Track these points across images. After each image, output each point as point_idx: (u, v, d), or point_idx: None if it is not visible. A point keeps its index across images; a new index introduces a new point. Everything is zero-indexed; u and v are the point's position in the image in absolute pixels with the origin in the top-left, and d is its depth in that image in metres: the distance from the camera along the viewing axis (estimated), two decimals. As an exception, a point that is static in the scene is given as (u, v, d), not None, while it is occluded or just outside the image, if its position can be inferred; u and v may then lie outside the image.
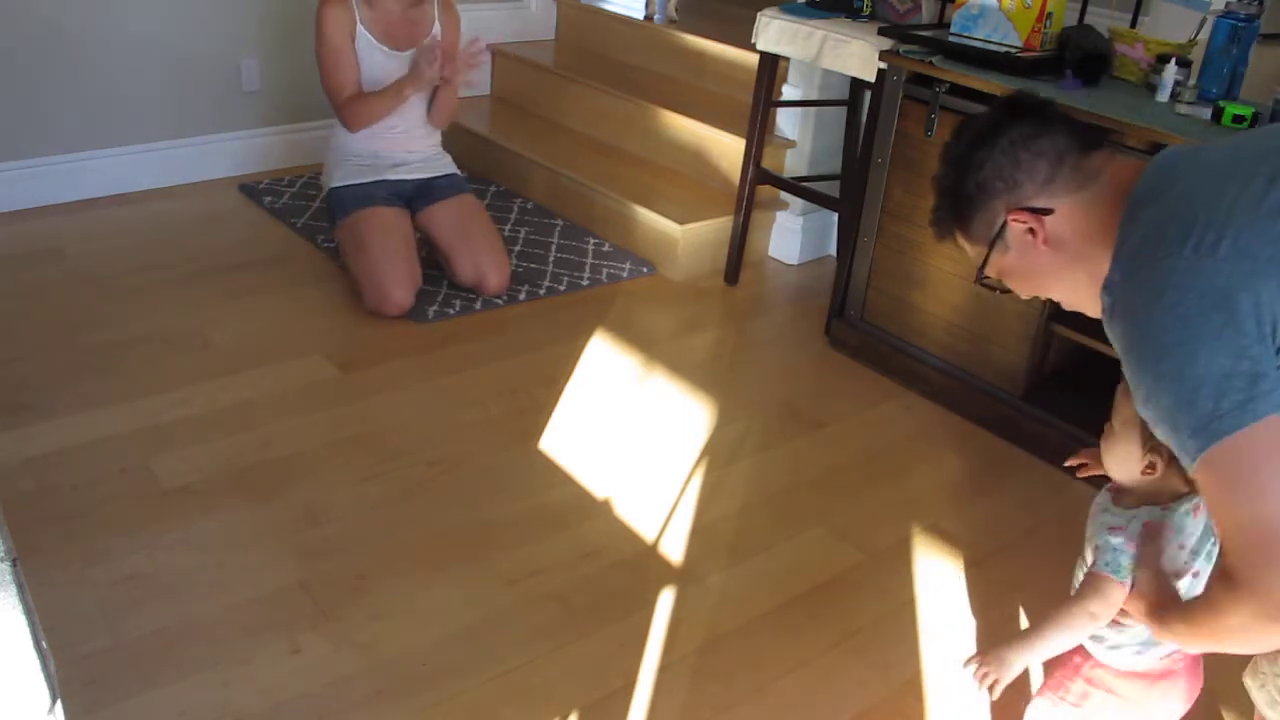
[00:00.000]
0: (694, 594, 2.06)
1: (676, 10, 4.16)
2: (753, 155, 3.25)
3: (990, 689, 1.40)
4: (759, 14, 3.07)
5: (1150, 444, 1.33)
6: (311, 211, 3.58)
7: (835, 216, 3.50)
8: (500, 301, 3.13)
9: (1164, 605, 1.29)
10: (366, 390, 2.65)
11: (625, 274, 3.38)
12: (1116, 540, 1.36)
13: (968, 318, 2.68)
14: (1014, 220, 1.27)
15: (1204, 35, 2.36)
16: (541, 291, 3.22)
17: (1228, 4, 2.33)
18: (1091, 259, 1.23)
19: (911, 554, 2.22)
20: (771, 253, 3.63)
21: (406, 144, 3.16)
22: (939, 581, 2.15)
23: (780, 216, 3.59)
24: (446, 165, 3.27)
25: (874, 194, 2.80)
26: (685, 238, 3.35)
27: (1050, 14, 2.48)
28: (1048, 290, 1.34)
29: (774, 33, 3.04)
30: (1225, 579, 1.10)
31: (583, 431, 2.55)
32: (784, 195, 3.53)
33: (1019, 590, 2.14)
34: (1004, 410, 2.63)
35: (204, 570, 2.02)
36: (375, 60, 3.03)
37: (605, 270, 3.38)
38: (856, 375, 2.91)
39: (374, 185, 3.10)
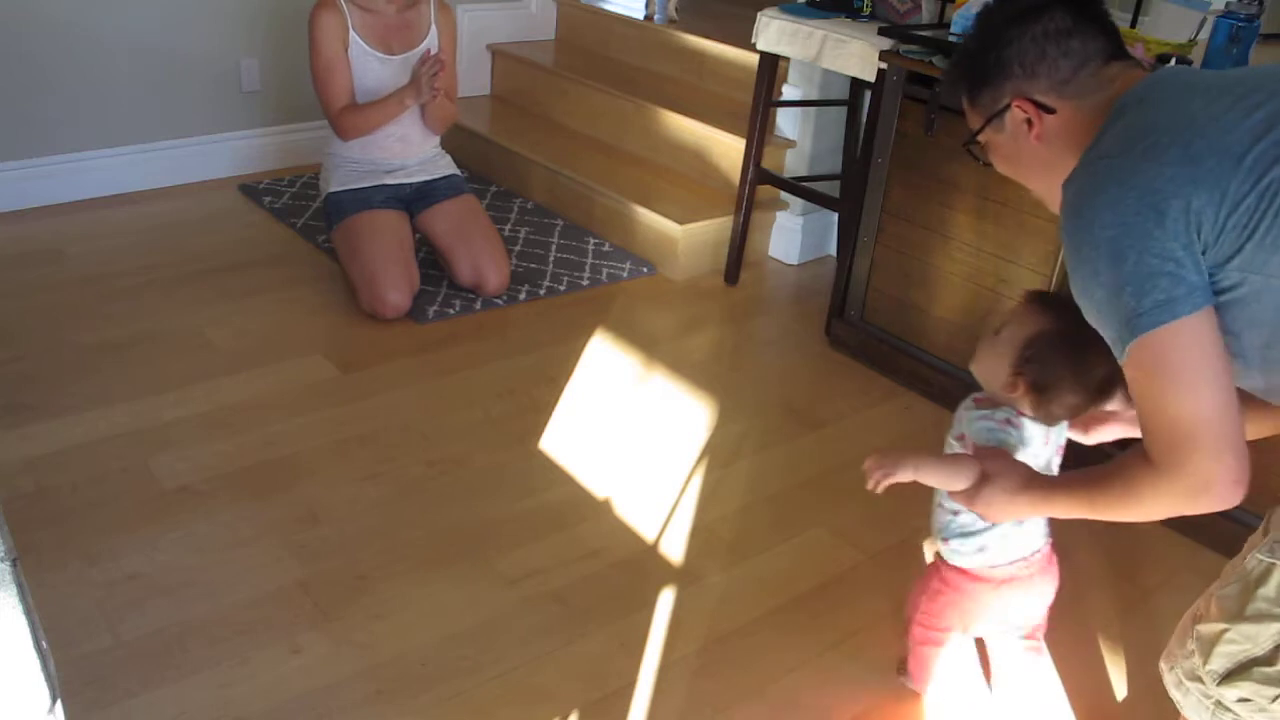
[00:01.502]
0: (694, 594, 2.06)
1: (676, 10, 4.15)
2: (753, 155, 3.25)
3: (872, 479, 1.51)
4: (759, 14, 3.07)
5: (1018, 368, 1.50)
6: (311, 211, 3.58)
7: (835, 216, 3.50)
8: (500, 301, 3.13)
9: (1037, 480, 1.43)
10: (366, 390, 2.65)
11: (625, 274, 3.38)
12: (989, 424, 1.54)
13: (968, 318, 2.67)
14: (1017, 107, 1.31)
15: (1204, 35, 2.36)
16: (541, 291, 3.22)
17: (1228, 4, 2.33)
18: (1072, 162, 1.26)
19: (911, 554, 2.22)
20: (771, 253, 3.64)
21: (404, 151, 3.15)
22: (939, 581, 2.15)
23: (780, 216, 3.59)
24: (446, 166, 3.27)
25: (874, 194, 2.80)
26: (685, 238, 3.35)
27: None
28: (1025, 179, 1.39)
29: (774, 33, 3.04)
30: (1148, 463, 1.19)
31: (583, 431, 2.55)
32: (784, 195, 3.53)
33: (1019, 590, 2.14)
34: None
35: (204, 570, 2.02)
36: (369, 67, 3.02)
37: (605, 270, 3.38)
38: (856, 375, 2.91)
39: (372, 190, 3.09)
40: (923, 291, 2.76)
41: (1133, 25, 2.72)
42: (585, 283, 3.29)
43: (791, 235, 3.57)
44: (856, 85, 3.27)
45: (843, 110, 3.40)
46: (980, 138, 1.38)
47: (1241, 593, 1.20)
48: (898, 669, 1.88)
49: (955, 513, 1.62)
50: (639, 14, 4.22)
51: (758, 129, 3.22)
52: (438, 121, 3.16)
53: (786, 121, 3.52)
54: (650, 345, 2.98)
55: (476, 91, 4.40)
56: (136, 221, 3.49)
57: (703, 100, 3.80)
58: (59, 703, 0.92)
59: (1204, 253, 1.13)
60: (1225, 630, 1.21)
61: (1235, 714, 1.22)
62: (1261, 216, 1.09)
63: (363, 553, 2.09)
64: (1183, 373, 1.13)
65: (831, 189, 3.38)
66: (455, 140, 3.97)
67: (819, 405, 2.75)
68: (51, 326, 2.81)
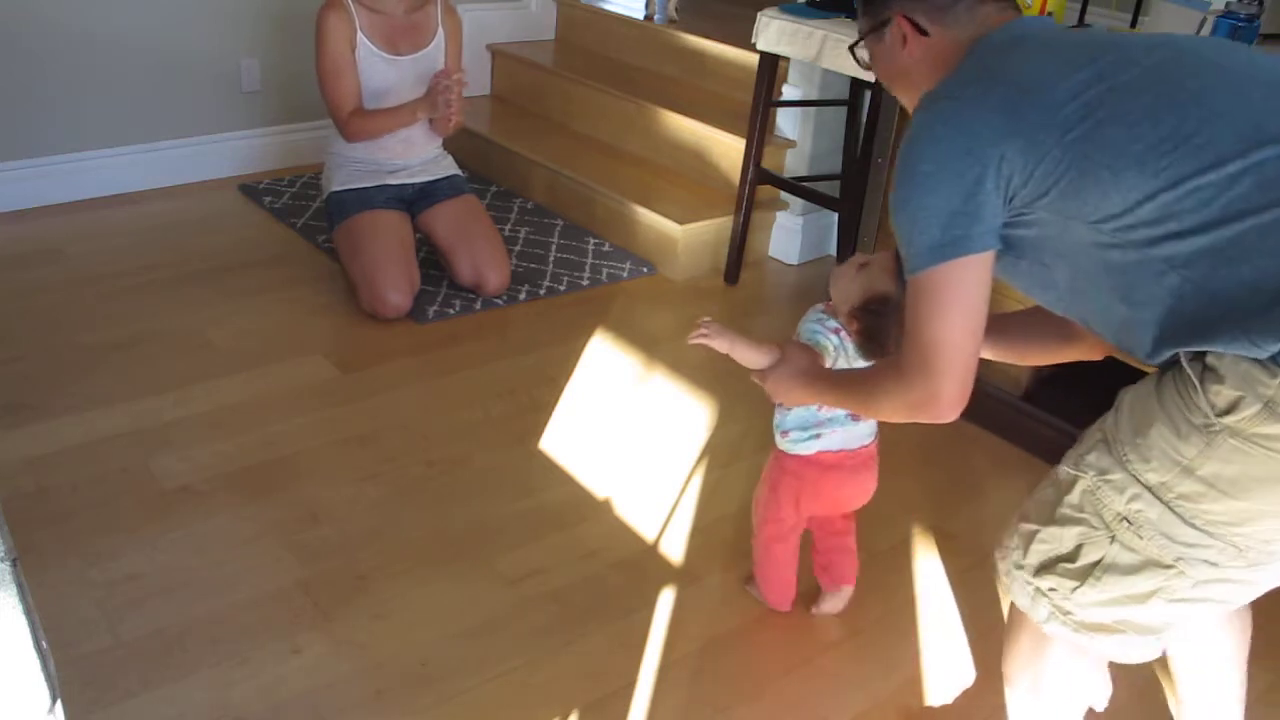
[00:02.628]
0: (694, 594, 2.06)
1: (676, 10, 4.16)
2: (753, 155, 3.25)
3: (697, 337, 1.75)
4: (759, 14, 3.07)
5: (857, 313, 1.71)
6: (312, 211, 3.58)
7: (835, 216, 3.50)
8: (500, 301, 3.13)
9: (814, 370, 1.69)
10: (366, 390, 2.65)
11: (625, 274, 3.38)
12: (817, 326, 1.76)
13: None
14: (898, 21, 1.46)
15: (1204, 35, 2.36)
16: (541, 291, 3.22)
17: (1228, 4, 2.33)
18: (930, 84, 1.41)
19: (911, 554, 2.22)
20: (771, 253, 3.64)
21: (407, 152, 3.15)
22: (939, 581, 2.15)
23: (780, 216, 3.59)
24: (448, 167, 3.27)
25: (874, 194, 2.80)
26: (685, 238, 3.35)
27: (1050, 14, 2.48)
28: (895, 90, 1.56)
29: (774, 33, 3.04)
30: (895, 367, 1.40)
31: (583, 431, 2.55)
32: (784, 195, 3.53)
33: (1019, 590, 2.14)
34: (1004, 410, 2.63)
35: (204, 570, 2.02)
36: (376, 68, 3.01)
37: (605, 270, 3.38)
38: (856, 375, 2.90)
39: (374, 190, 3.09)
40: (923, 291, 2.76)
41: (1133, 25, 2.73)
42: (585, 283, 3.29)
43: (791, 235, 3.57)
44: (856, 85, 3.27)
45: (843, 110, 3.40)
46: (864, 44, 1.54)
47: (1053, 499, 1.36)
48: (745, 581, 2.08)
49: (789, 409, 1.83)
50: (639, 14, 4.22)
51: (758, 129, 3.22)
52: (445, 127, 3.15)
53: (786, 121, 3.52)
54: (650, 345, 2.98)
55: (476, 91, 4.40)
56: (136, 221, 3.49)
57: (703, 100, 3.80)
58: (59, 703, 0.92)
59: (1013, 198, 1.27)
60: (1038, 531, 1.38)
61: (1049, 599, 1.38)
62: (1067, 168, 1.22)
63: (363, 553, 2.09)
64: (950, 304, 1.31)
65: (831, 189, 3.37)
66: (455, 140, 3.96)
67: (819, 405, 2.75)
68: (51, 326, 2.81)
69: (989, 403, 2.66)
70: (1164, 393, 1.22)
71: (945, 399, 1.35)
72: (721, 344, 1.75)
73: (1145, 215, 1.19)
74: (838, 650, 1.95)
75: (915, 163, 1.31)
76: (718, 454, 2.51)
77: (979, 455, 2.58)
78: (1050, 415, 2.54)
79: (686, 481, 2.40)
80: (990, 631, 2.03)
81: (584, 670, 1.87)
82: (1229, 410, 1.15)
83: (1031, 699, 1.53)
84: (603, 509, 2.29)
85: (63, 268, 3.14)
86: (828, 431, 1.82)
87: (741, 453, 2.52)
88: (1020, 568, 1.41)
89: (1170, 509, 1.22)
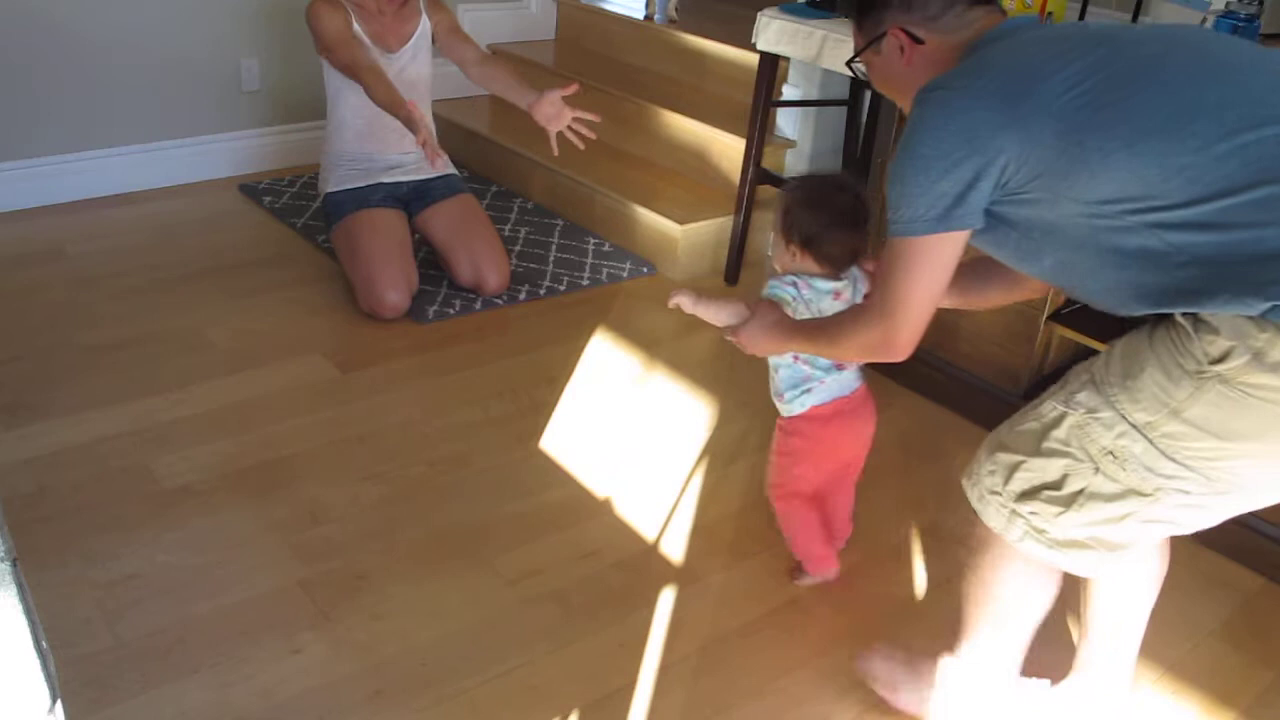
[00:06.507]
0: (694, 594, 2.06)
1: (676, 10, 4.15)
2: (753, 155, 3.25)
3: (677, 304, 1.91)
4: (759, 14, 3.07)
5: (787, 235, 1.87)
6: (311, 211, 3.58)
7: (835, 216, 3.49)
8: (500, 301, 3.13)
9: (784, 322, 1.79)
10: (366, 390, 2.65)
11: (625, 274, 3.38)
12: (776, 282, 1.88)
13: (968, 317, 2.68)
14: (893, 34, 1.54)
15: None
16: (541, 291, 3.22)
17: (1228, 4, 2.33)
18: None
19: (911, 554, 2.22)
20: (772, 253, 3.63)
21: (400, 144, 3.15)
22: (939, 581, 2.15)
23: (780, 216, 3.59)
24: (443, 165, 3.25)
25: (873, 194, 2.80)
26: (685, 238, 3.36)
27: (1050, 14, 2.48)
28: (895, 97, 1.64)
29: (774, 33, 3.04)
30: (864, 313, 1.53)
31: (583, 431, 2.55)
32: (784, 195, 3.53)
33: (1019, 590, 2.14)
34: (1004, 410, 2.60)
35: (204, 570, 2.02)
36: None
37: (605, 270, 3.38)
38: (856, 375, 2.90)
39: (369, 189, 3.09)
40: (923, 291, 2.76)
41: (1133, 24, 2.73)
42: (585, 283, 3.29)
43: (791, 235, 3.57)
44: (856, 85, 3.27)
45: (843, 110, 3.40)
46: (861, 58, 1.61)
47: (1038, 432, 1.46)
48: (790, 575, 2.11)
49: (777, 369, 1.94)
50: (639, 14, 4.22)
51: (758, 129, 3.22)
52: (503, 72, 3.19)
53: (786, 121, 3.53)
54: (650, 345, 2.98)
55: (477, 91, 4.40)
56: (136, 221, 3.49)
57: (703, 100, 3.80)
58: (59, 703, 0.92)
59: (1007, 182, 1.35)
60: (1023, 461, 1.48)
61: (1026, 519, 1.49)
62: (1060, 154, 1.30)
63: (363, 553, 2.09)
64: (922, 270, 1.42)
65: (831, 189, 3.37)
66: (455, 140, 3.98)
67: (819, 405, 2.75)
68: (51, 326, 2.81)
69: (988, 401, 2.66)
70: (1157, 340, 1.32)
71: (899, 344, 1.49)
72: (686, 303, 1.90)
73: (1134, 193, 1.27)
74: (838, 650, 1.95)
75: (915, 146, 1.39)
76: (718, 454, 2.51)
77: (979, 455, 2.58)
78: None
79: (686, 481, 2.40)
80: (990, 631, 2.03)
81: (584, 670, 1.87)
82: (1221, 359, 1.23)
83: (987, 612, 1.64)
84: (603, 509, 2.29)
85: (63, 267, 3.14)
86: (816, 384, 1.92)
87: (742, 453, 2.52)
88: (997, 493, 1.52)
89: (1154, 445, 1.33)
